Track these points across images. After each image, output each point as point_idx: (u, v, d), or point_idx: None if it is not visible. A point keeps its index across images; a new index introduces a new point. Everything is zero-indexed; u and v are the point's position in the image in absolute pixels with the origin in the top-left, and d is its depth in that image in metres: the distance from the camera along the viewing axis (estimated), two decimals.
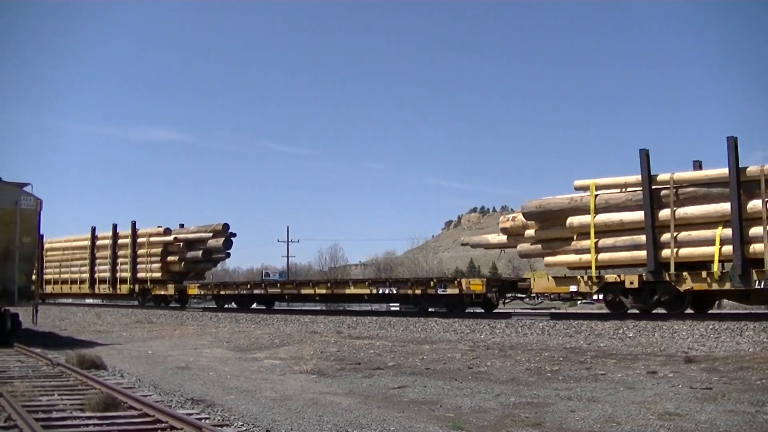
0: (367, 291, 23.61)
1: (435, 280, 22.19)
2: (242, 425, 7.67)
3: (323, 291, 25.19)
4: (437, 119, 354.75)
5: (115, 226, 35.54)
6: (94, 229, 36.89)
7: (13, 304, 18.23)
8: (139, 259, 33.60)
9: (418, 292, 21.97)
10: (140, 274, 33.51)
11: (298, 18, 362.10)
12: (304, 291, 26.03)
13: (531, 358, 13.68)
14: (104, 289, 35.72)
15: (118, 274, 34.78)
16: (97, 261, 36.37)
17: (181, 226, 34.37)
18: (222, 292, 30.10)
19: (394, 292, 22.94)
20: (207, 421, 7.61)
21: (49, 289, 39.99)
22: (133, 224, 34.30)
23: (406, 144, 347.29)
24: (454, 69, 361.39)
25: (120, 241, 35.08)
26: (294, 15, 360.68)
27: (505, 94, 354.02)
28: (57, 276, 39.18)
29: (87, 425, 7.48)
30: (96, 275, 36.19)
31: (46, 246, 40.01)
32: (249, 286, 29.11)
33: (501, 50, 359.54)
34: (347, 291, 24.49)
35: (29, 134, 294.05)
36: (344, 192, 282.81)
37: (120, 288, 34.54)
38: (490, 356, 14.12)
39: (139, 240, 33.84)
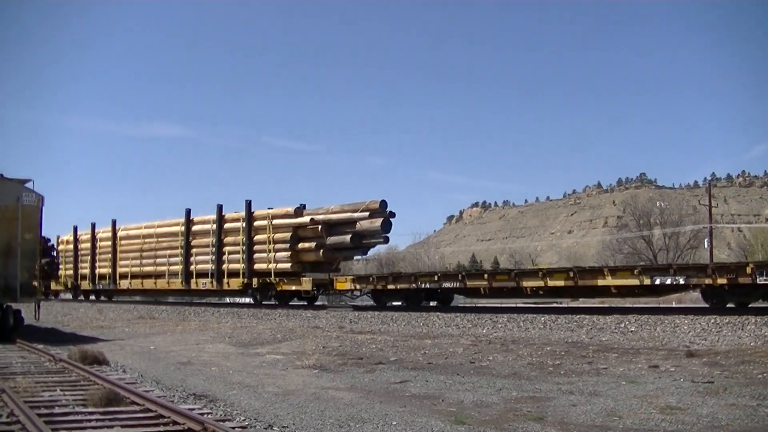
0: (635, 282, 17.76)
1: (752, 266, 16.46)
2: (244, 420, 7.68)
3: (559, 283, 19.00)
4: (439, 115, 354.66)
5: (220, 207, 29.40)
6: (189, 212, 30.91)
7: (16, 300, 18.30)
8: (256, 247, 27.64)
9: (721, 281, 16.62)
10: (258, 266, 27.52)
11: (301, 13, 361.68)
12: (527, 283, 19.61)
13: (533, 352, 13.68)
14: (205, 283, 29.46)
15: (225, 266, 28.70)
16: (194, 250, 30.28)
17: (303, 206, 27.68)
18: (390, 286, 23.19)
19: (680, 282, 17.33)
20: (209, 416, 7.63)
21: (124, 284, 34.50)
22: (249, 204, 28.29)
23: (409, 139, 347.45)
24: (456, 66, 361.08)
25: (227, 225, 29.14)
26: (297, 10, 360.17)
27: (506, 92, 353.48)
28: (137, 269, 33.49)
29: (89, 421, 7.50)
30: (192, 267, 30.11)
31: (119, 234, 35.25)
32: (437, 277, 22.01)
33: (503, 48, 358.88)
34: (599, 282, 18.38)
35: (30, 131, 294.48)
36: (346, 188, 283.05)
37: (228, 282, 28.55)
38: (492, 351, 14.12)
39: (257, 223, 27.87)
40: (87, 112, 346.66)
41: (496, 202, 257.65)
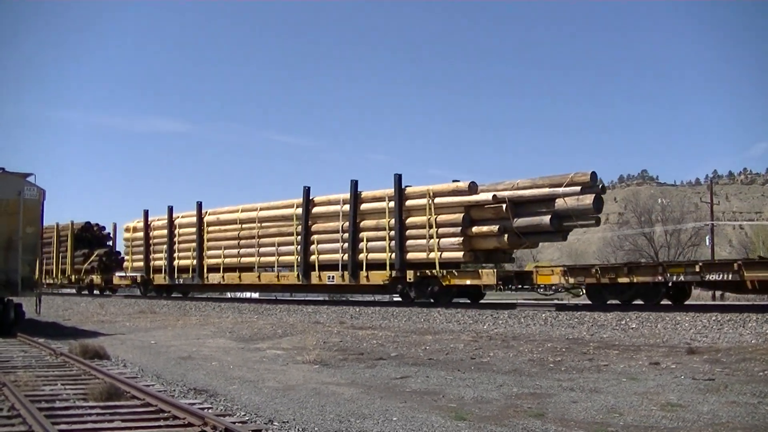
0: None
1: None
2: (245, 415, 7.69)
3: None
4: (440, 111, 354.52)
5: (355, 183, 23.91)
6: (307, 190, 25.27)
7: (17, 294, 18.33)
8: (410, 232, 22.36)
9: None
10: (413, 255, 22.17)
11: (301, 10, 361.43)
12: None
13: (534, 348, 13.67)
14: (332, 277, 24.31)
15: (362, 256, 23.32)
16: (315, 237, 24.89)
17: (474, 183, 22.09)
18: (623, 280, 17.81)
19: None
20: (210, 410, 7.63)
21: (213, 278, 28.88)
22: (398, 178, 22.63)
23: (409, 136, 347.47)
24: (456, 63, 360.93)
25: (365, 205, 23.73)
26: (297, 7, 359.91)
27: (507, 88, 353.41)
28: (233, 260, 27.89)
29: (90, 415, 7.51)
30: (313, 258, 24.77)
31: (206, 219, 29.69)
32: (698, 267, 16.66)
33: (503, 45, 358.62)
34: None
35: (32, 125, 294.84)
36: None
37: (368, 276, 23.17)
38: (493, 347, 14.12)
39: (410, 202, 22.54)
40: (89, 106, 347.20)
41: None
